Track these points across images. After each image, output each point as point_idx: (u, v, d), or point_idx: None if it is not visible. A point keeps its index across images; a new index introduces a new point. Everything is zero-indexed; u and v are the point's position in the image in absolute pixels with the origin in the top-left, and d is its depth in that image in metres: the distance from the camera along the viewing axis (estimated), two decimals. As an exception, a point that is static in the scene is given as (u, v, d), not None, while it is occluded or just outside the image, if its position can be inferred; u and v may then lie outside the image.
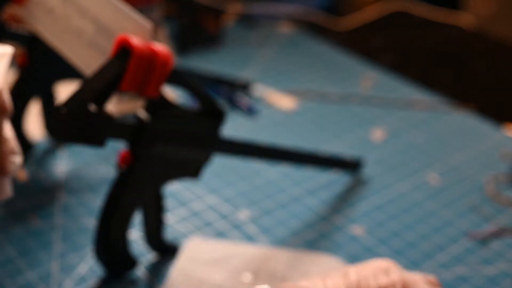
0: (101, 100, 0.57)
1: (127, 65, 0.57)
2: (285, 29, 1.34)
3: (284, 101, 1.06)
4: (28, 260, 0.71)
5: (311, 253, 0.74)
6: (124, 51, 0.57)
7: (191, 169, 0.68)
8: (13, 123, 0.84)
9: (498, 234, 0.79)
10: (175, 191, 0.83)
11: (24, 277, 0.68)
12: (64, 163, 0.87)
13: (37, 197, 0.80)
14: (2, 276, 0.68)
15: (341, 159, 0.88)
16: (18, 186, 0.82)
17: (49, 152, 0.89)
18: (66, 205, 0.79)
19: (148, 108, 0.63)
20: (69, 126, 0.56)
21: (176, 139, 0.65)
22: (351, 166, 0.87)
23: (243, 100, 1.04)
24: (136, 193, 0.65)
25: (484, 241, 0.78)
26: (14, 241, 0.73)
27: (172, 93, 1.03)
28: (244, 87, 1.06)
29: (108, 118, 0.59)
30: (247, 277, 0.70)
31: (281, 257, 0.73)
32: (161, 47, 0.59)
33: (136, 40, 0.58)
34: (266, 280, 0.69)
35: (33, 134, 0.88)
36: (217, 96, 1.05)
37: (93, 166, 0.87)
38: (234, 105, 1.04)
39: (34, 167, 0.85)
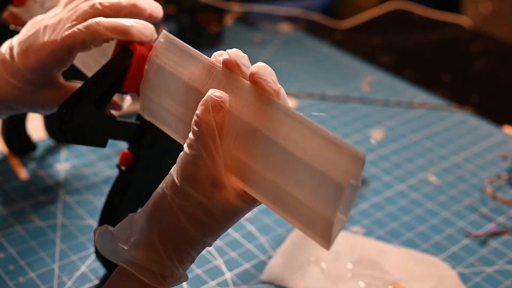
0: (103, 101, 0.57)
1: (129, 65, 0.57)
2: (285, 29, 1.34)
3: (284, 101, 1.06)
4: (28, 260, 0.71)
5: (416, 253, 0.75)
6: (125, 51, 0.57)
7: None
8: (15, 123, 0.85)
9: (498, 234, 0.79)
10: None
11: (25, 276, 0.68)
12: (64, 163, 0.87)
13: (37, 197, 0.80)
14: (2, 276, 0.68)
15: None
16: (18, 186, 0.82)
17: (50, 152, 0.89)
18: (66, 205, 0.79)
19: None
20: (71, 127, 0.56)
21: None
22: None
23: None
24: (137, 193, 0.65)
25: (484, 240, 0.78)
26: (14, 241, 0.73)
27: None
28: None
29: (110, 118, 0.59)
30: (349, 263, 0.73)
31: (386, 251, 0.75)
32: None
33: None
34: (365, 269, 0.72)
35: (34, 134, 0.88)
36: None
37: (93, 166, 0.87)
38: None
39: (34, 167, 0.85)
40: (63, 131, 0.56)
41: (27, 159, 0.87)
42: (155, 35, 0.58)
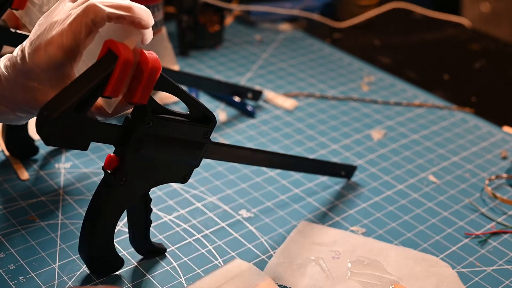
0: (85, 104, 0.56)
1: (113, 70, 0.56)
2: (285, 29, 1.34)
3: (284, 102, 1.06)
4: (29, 260, 0.71)
5: (416, 253, 0.75)
6: (110, 54, 0.57)
7: (178, 174, 0.68)
8: (17, 126, 0.85)
9: (498, 233, 0.79)
10: (172, 191, 0.83)
11: (25, 276, 0.68)
12: (65, 163, 0.87)
13: (38, 197, 0.80)
14: (3, 275, 0.68)
15: (333, 166, 0.86)
16: (19, 186, 0.82)
17: (50, 152, 0.89)
18: (66, 205, 0.79)
19: (136, 112, 0.62)
20: (51, 130, 0.55)
21: (164, 144, 0.64)
22: (343, 172, 0.87)
23: (243, 101, 1.04)
24: (121, 196, 0.64)
25: (483, 240, 0.78)
26: (14, 240, 0.73)
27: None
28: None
29: (91, 122, 0.58)
30: (348, 262, 0.73)
31: (385, 251, 0.75)
32: (150, 53, 0.59)
33: (123, 45, 0.57)
34: (365, 269, 0.72)
35: (34, 135, 0.88)
36: (218, 98, 1.05)
37: (93, 166, 0.87)
38: (234, 106, 1.04)
39: (35, 167, 0.86)
40: (43, 134, 0.55)
41: (28, 159, 0.87)
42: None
